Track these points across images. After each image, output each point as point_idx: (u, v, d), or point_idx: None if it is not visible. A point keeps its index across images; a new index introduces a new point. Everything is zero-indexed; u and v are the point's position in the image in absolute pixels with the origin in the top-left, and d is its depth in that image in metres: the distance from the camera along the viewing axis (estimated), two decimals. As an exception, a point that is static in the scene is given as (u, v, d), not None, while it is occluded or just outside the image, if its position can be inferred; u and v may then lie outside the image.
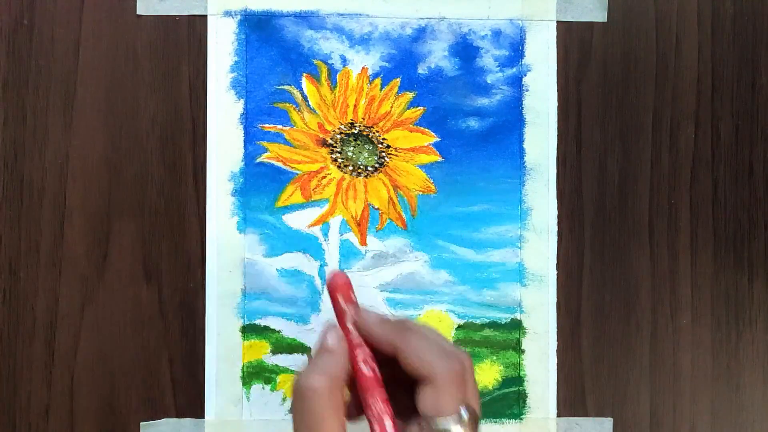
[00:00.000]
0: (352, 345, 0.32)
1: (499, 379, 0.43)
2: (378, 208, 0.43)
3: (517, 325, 0.43)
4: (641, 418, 0.44)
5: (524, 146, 0.44)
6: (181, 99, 0.43)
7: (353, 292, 0.34)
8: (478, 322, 0.43)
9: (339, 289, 0.34)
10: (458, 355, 0.32)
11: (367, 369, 0.32)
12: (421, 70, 0.44)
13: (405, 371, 0.31)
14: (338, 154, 0.43)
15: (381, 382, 0.32)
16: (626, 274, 0.44)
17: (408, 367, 0.31)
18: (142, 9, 0.43)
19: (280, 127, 0.43)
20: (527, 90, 0.44)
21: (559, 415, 0.43)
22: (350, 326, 0.33)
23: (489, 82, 0.44)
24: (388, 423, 0.31)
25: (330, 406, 0.31)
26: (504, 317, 0.43)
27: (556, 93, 0.44)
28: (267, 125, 0.43)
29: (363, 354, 0.32)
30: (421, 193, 0.44)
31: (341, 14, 0.44)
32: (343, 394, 0.31)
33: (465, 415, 0.31)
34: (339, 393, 0.31)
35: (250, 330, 0.43)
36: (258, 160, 0.43)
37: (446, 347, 0.32)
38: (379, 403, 0.31)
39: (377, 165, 0.43)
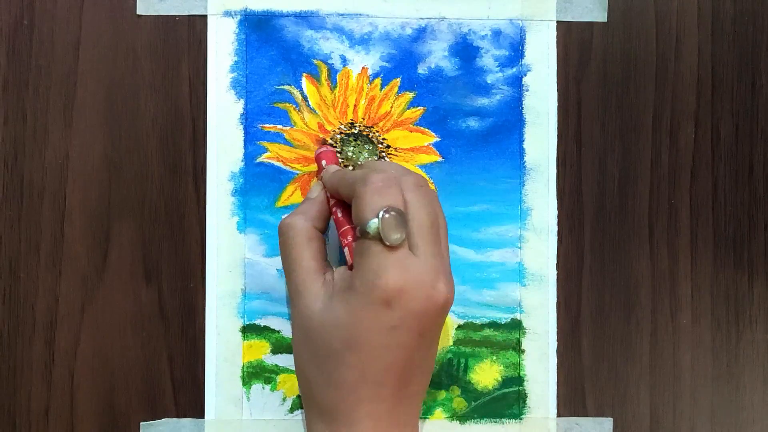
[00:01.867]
0: (329, 196, 0.39)
1: (499, 379, 0.43)
2: (378, 208, 0.43)
3: (517, 325, 0.43)
4: (641, 418, 0.44)
5: (524, 146, 0.44)
6: (181, 99, 0.43)
7: (330, 158, 0.41)
8: (478, 322, 0.43)
9: (323, 154, 0.41)
10: (384, 169, 0.36)
11: (337, 211, 0.39)
12: (421, 70, 0.44)
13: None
14: (338, 154, 0.43)
15: (348, 220, 0.38)
16: (626, 274, 0.44)
17: (346, 200, 0.37)
18: (142, 9, 0.43)
19: (280, 127, 0.43)
20: (527, 90, 0.44)
21: (559, 415, 0.43)
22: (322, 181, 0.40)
23: (489, 82, 0.44)
24: (346, 251, 0.38)
25: (305, 237, 0.37)
26: (504, 317, 0.44)
27: (556, 93, 0.44)
28: (267, 125, 0.43)
29: (333, 202, 0.39)
30: (421, 193, 0.43)
31: (341, 14, 0.44)
32: (317, 230, 0.38)
33: (384, 215, 0.34)
34: (312, 228, 0.38)
35: (250, 330, 0.43)
36: (258, 160, 0.43)
37: (376, 167, 0.37)
38: (343, 237, 0.38)
39: (377, 165, 0.43)
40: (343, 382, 0.35)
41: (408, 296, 0.34)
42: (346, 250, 0.38)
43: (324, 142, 0.43)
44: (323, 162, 0.41)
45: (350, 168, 0.43)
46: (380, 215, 0.33)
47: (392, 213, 0.34)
